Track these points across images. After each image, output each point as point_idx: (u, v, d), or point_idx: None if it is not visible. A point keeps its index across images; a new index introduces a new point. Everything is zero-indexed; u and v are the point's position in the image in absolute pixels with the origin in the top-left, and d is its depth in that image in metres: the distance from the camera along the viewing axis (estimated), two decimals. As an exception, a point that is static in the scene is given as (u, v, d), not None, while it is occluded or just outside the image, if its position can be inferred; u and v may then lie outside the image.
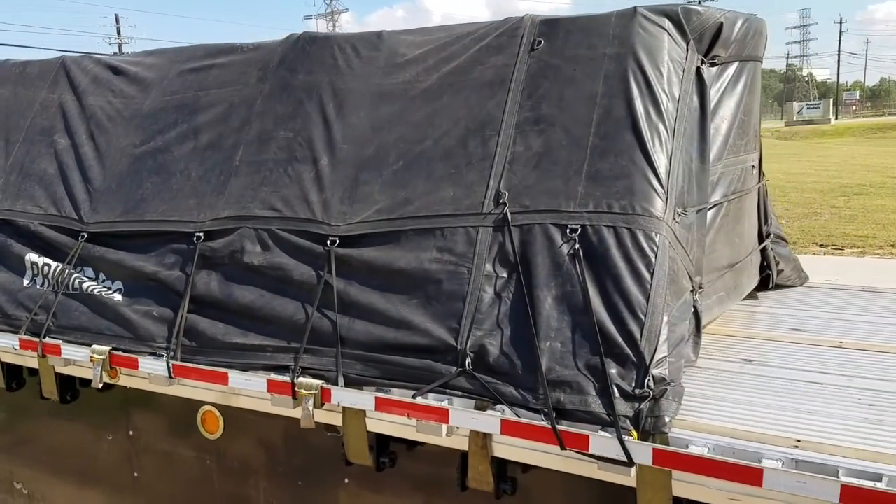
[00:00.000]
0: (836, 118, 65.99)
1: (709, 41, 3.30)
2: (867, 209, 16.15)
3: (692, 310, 3.11)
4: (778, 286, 4.53)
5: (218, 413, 3.72)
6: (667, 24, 3.18)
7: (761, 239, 4.27)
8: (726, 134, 3.57)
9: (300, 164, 3.59)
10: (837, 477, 2.30)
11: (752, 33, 3.66)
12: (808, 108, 67.09)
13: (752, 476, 2.39)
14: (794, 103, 71.30)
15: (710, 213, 3.44)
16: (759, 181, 4.25)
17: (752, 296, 4.34)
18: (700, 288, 3.21)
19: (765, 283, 4.36)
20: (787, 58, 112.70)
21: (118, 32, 55.96)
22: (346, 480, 3.46)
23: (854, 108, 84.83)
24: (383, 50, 3.69)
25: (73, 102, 4.52)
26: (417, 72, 3.56)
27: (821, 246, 12.87)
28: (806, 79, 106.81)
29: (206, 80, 4.14)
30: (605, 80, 3.16)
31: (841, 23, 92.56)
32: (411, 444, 3.18)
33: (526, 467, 2.99)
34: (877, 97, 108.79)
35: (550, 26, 3.38)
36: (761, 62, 4.00)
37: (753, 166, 3.94)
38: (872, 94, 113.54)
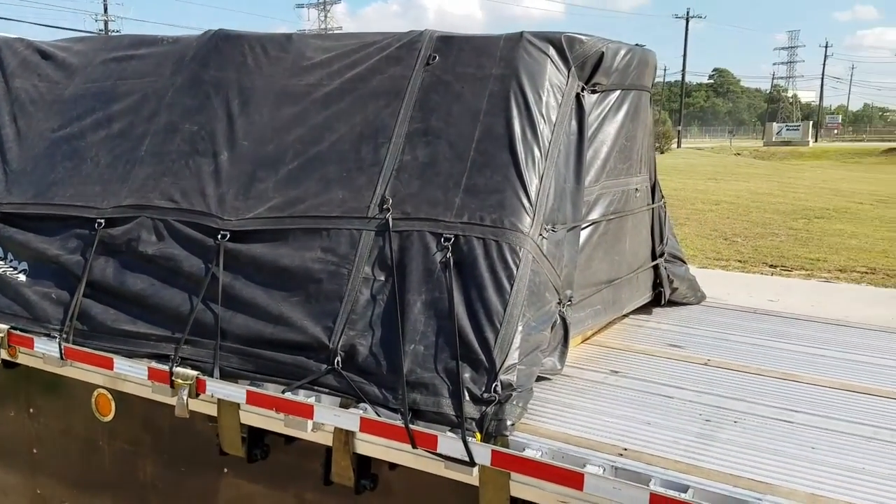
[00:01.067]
0: (816, 141, 66.92)
1: (590, 69, 3.46)
2: (825, 233, 16.43)
3: (558, 321, 3.26)
4: (676, 304, 4.70)
5: (110, 396, 3.82)
6: (550, 50, 3.33)
7: (654, 257, 4.43)
8: (605, 158, 3.72)
9: (201, 158, 3.70)
10: (648, 486, 2.45)
11: (637, 63, 3.82)
12: (787, 130, 68.03)
13: (574, 480, 2.54)
14: (775, 124, 72.23)
15: (586, 231, 3.60)
16: (654, 202, 4.42)
17: (646, 311, 4.51)
18: (569, 301, 3.36)
19: (658, 300, 4.53)
20: (773, 78, 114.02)
21: (105, 10, 55.47)
22: (226, 469, 3.57)
23: (835, 131, 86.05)
24: (291, 52, 3.81)
25: (0, 84, 4.59)
26: (321, 76, 3.68)
27: (770, 266, 13.10)
28: (790, 100, 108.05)
29: (126, 70, 4.24)
30: (488, 99, 3.30)
31: (826, 46, 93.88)
32: (289, 438, 3.30)
33: (392, 465, 3.12)
34: (859, 122, 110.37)
35: (446, 43, 3.51)
36: (649, 92, 4.16)
37: (637, 189, 4.10)
38: (855, 119, 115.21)
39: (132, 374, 3.41)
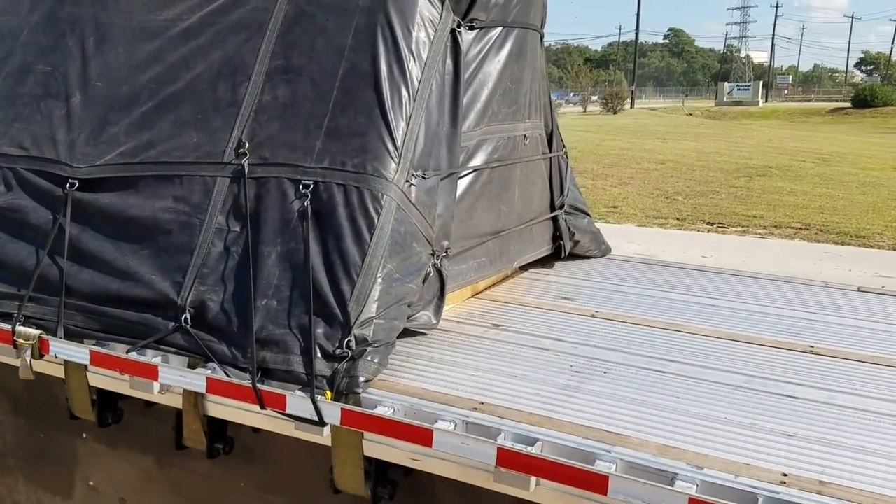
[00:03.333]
0: (766, 101, 67.71)
1: (467, 3, 3.23)
2: (764, 190, 16.58)
3: (431, 273, 3.08)
4: (580, 257, 4.57)
5: (-36, 360, 3.56)
6: None
7: (553, 209, 4.28)
8: (486, 101, 3.51)
9: (53, 101, 3.41)
10: (496, 441, 2.31)
11: None
12: (738, 90, 68.66)
13: (423, 437, 2.38)
14: (726, 84, 72.85)
15: (466, 180, 3.41)
16: (552, 151, 4.25)
17: (546, 264, 4.38)
18: (445, 252, 3.18)
19: (559, 253, 4.39)
20: (726, 38, 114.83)
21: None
22: (84, 435, 3.36)
23: (785, 92, 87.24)
24: None
25: None
26: (181, 10, 3.39)
27: (707, 223, 13.15)
28: (743, 60, 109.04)
29: None
30: (354, 34, 3.06)
31: (777, 6, 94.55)
32: (146, 402, 3.10)
33: (255, 428, 2.94)
34: (809, 82, 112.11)
35: None
36: (537, 31, 3.95)
37: (526, 136, 3.91)
38: (805, 80, 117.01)
39: (-27, 335, 3.16)
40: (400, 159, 2.92)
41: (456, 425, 2.43)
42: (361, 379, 2.62)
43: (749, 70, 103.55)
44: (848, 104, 52.30)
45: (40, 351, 3.01)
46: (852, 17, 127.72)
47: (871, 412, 2.55)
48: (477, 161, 3.49)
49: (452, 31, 3.19)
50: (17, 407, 3.54)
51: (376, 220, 2.81)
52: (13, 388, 3.49)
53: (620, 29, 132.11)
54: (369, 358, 2.66)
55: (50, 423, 3.45)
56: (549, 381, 2.75)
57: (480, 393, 2.62)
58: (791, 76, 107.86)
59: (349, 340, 2.65)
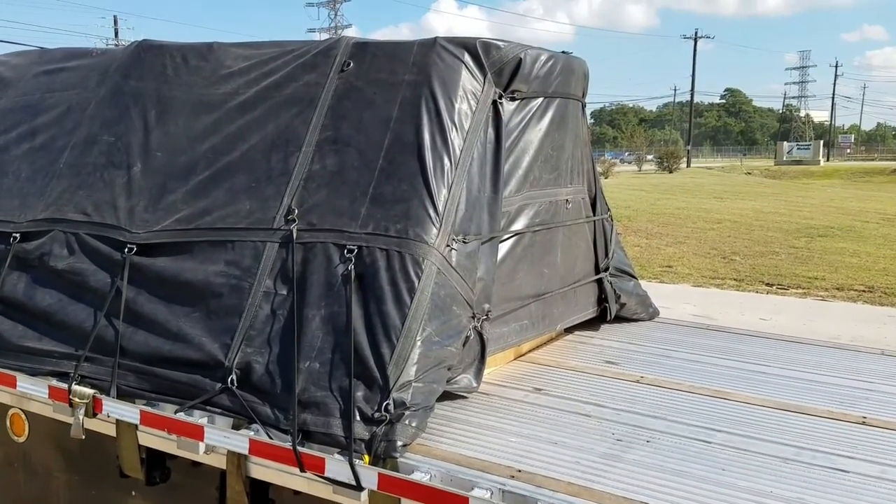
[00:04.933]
0: (828, 160, 66.39)
1: (509, 75, 3.33)
2: (826, 251, 16.14)
3: (472, 336, 3.10)
4: (627, 320, 4.53)
5: (24, 416, 3.69)
6: (465, 56, 3.21)
7: (597, 272, 4.27)
8: (528, 167, 3.57)
9: (115, 170, 3.60)
10: (532, 510, 2.28)
11: (560, 70, 3.68)
12: (798, 149, 67.57)
13: (459, 504, 2.37)
14: (785, 143, 71.78)
15: (507, 243, 3.45)
16: (596, 215, 4.26)
17: (592, 327, 4.35)
18: (486, 315, 3.20)
19: (604, 316, 4.36)
20: (785, 97, 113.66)
21: (115, 34, 56.13)
22: (134, 493, 3.42)
23: (848, 150, 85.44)
24: (211, 60, 3.72)
25: None
26: (239, 84, 3.58)
27: (767, 284, 12.84)
28: (802, 119, 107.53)
29: (54, 83, 4.17)
30: (400, 106, 3.18)
31: (837, 66, 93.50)
32: (192, 462, 3.15)
33: (296, 491, 2.96)
34: (872, 141, 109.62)
35: (360, 49, 3.41)
36: (579, 100, 4.01)
37: (568, 201, 3.94)
38: (868, 139, 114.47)
39: (33, 392, 3.29)
40: (441, 225, 2.98)
41: (493, 493, 2.41)
42: (399, 443, 2.63)
43: (809, 129, 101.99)
44: (914, 163, 50.85)
45: (94, 410, 3.11)
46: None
47: (928, 489, 2.43)
48: (518, 225, 3.53)
49: (494, 102, 3.28)
50: (71, 464, 3.63)
51: (416, 284, 2.86)
52: (68, 446, 3.59)
53: (675, 90, 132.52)
54: (407, 422, 2.68)
55: (100, 480, 3.53)
56: (590, 448, 2.71)
57: (518, 460, 2.60)
58: (853, 135, 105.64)
59: (388, 404, 2.67)
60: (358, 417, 2.67)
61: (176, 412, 2.94)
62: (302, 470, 2.66)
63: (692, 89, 75.44)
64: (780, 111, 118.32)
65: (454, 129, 3.12)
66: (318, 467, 2.64)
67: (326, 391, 2.76)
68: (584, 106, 4.12)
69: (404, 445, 2.65)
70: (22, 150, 3.97)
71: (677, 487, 2.42)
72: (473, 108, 3.20)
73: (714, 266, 14.23)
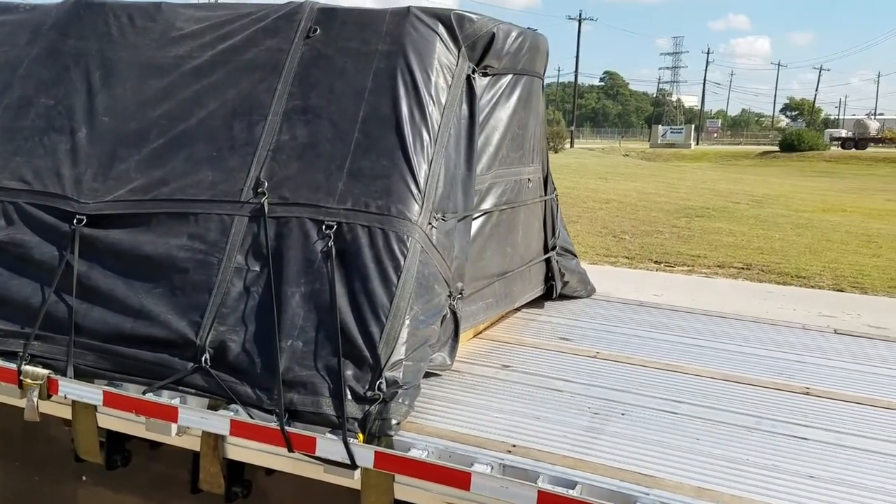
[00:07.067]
0: (697, 144, 70.31)
1: (481, 50, 3.32)
2: (704, 231, 17.16)
3: (448, 315, 3.12)
4: (565, 297, 4.68)
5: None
6: (440, 27, 3.17)
7: (546, 251, 4.38)
8: (497, 145, 3.61)
9: (57, 135, 3.35)
10: (536, 484, 2.35)
11: (528, 48, 3.71)
12: (671, 133, 71.21)
13: (461, 480, 2.41)
14: (659, 127, 75.46)
15: (478, 222, 3.48)
16: (547, 194, 4.37)
17: (538, 304, 4.46)
18: (460, 294, 3.23)
19: (550, 293, 4.49)
20: (659, 82, 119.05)
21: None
22: (84, 478, 3.24)
23: (715, 135, 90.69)
24: (160, 21, 3.50)
25: None
26: (192, 47, 3.39)
27: (655, 262, 13.53)
28: (674, 104, 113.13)
29: None
30: (374, 77, 3.12)
31: (708, 53, 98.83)
32: (153, 443, 3.02)
33: (269, 470, 2.90)
34: (737, 126, 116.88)
35: (328, 15, 3.30)
36: (541, 79, 4.09)
37: (530, 180, 4.02)
38: (733, 124, 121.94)
39: (-28, 374, 3.03)
40: (423, 202, 2.97)
41: (493, 468, 2.46)
42: (394, 421, 2.63)
43: (680, 113, 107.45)
44: (776, 148, 54.83)
45: (48, 391, 2.91)
46: (778, 65, 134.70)
47: (881, 454, 2.69)
48: (488, 204, 3.56)
49: (468, 77, 3.27)
50: (9, 449, 3.39)
51: (402, 262, 2.84)
52: (8, 429, 3.35)
53: (560, 70, 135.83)
54: (400, 400, 2.68)
55: (44, 465, 3.32)
56: (572, 422, 2.81)
57: (510, 435, 2.66)
58: (720, 120, 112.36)
59: (380, 383, 2.66)
60: (350, 397, 2.64)
61: (144, 392, 2.80)
62: (290, 450, 2.61)
63: (576, 71, 77.81)
64: (654, 95, 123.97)
65: (432, 103, 3.09)
66: (307, 447, 2.60)
67: (312, 370, 2.71)
68: (543, 83, 4.18)
69: (398, 424, 2.65)
70: None
71: (661, 457, 2.55)
72: (449, 83, 3.18)
73: (607, 244, 14.84)
